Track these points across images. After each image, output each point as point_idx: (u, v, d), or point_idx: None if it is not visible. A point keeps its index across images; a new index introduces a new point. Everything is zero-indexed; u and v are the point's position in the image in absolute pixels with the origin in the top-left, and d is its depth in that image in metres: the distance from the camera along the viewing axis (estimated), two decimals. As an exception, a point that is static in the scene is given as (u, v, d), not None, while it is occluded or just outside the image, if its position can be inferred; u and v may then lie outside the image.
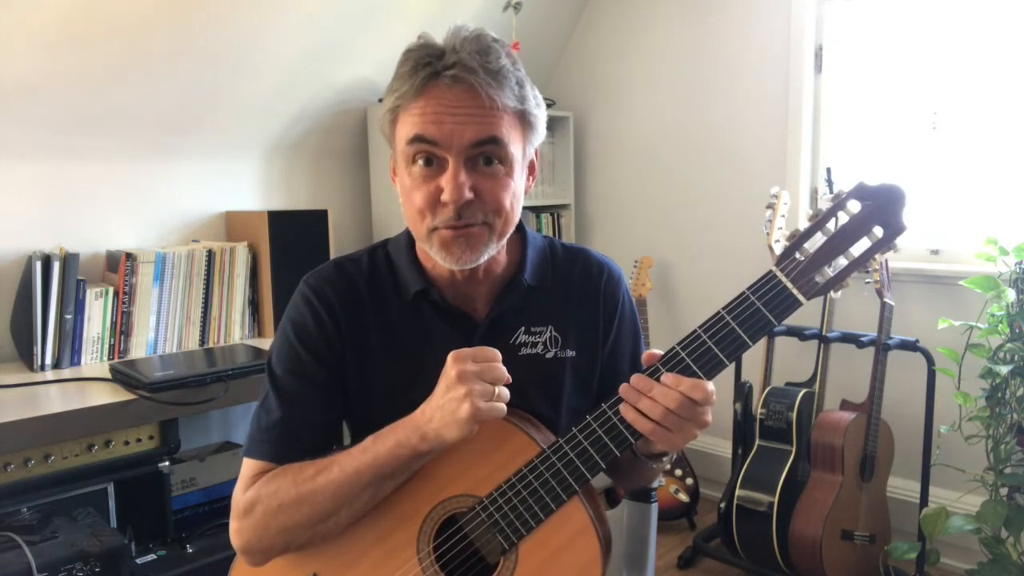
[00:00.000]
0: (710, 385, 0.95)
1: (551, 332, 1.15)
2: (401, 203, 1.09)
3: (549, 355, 1.15)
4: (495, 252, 1.08)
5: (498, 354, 0.99)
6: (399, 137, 1.05)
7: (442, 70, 1.00)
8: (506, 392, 0.97)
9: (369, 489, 1.01)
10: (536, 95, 1.07)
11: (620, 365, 1.21)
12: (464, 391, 0.94)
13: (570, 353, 1.16)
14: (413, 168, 1.03)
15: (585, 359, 1.17)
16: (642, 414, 0.96)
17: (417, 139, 1.01)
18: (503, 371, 0.97)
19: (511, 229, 1.09)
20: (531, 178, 1.13)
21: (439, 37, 1.04)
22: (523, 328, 1.14)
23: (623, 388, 0.98)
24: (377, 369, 1.12)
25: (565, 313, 1.17)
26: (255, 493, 1.04)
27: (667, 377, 0.96)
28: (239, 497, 1.06)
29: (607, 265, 1.23)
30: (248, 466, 1.09)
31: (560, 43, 3.51)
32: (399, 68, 1.04)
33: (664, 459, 1.09)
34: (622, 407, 0.98)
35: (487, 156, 1.02)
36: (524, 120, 1.05)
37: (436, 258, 1.07)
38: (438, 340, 1.11)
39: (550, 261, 1.19)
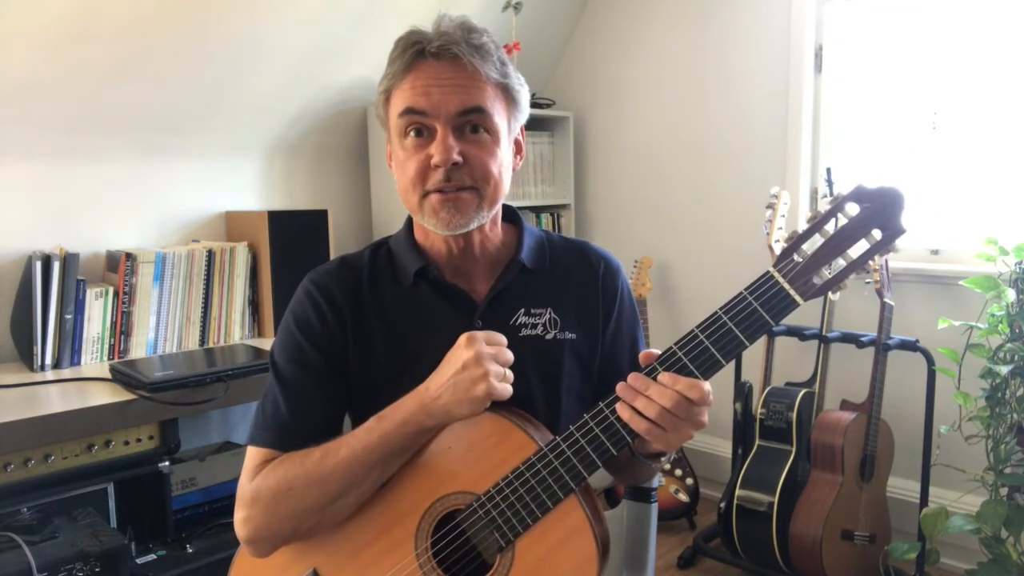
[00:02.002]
0: (706, 385, 0.96)
1: (550, 314, 1.17)
2: (396, 180, 1.13)
3: (549, 336, 1.17)
4: (486, 220, 1.12)
5: (504, 339, 1.03)
6: (391, 115, 1.10)
7: (426, 51, 1.06)
8: (511, 374, 1.02)
9: (378, 468, 1.03)
10: (519, 77, 1.13)
11: (619, 356, 1.22)
12: (481, 372, 0.98)
13: (570, 335, 1.18)
14: (405, 141, 1.09)
15: (585, 343, 1.19)
16: (638, 413, 0.96)
17: (407, 111, 1.07)
18: (511, 354, 1.03)
19: (500, 198, 1.13)
20: (518, 157, 1.18)
21: (442, 22, 1.10)
22: (523, 309, 1.17)
23: (620, 387, 0.98)
24: (380, 355, 1.14)
25: (564, 297, 1.19)
26: (262, 480, 1.06)
27: (664, 376, 0.96)
28: (245, 486, 1.07)
29: (605, 256, 1.25)
30: (252, 455, 1.10)
31: (560, 43, 3.51)
32: (390, 56, 1.10)
33: (662, 459, 1.10)
34: (618, 406, 0.98)
35: (473, 124, 1.07)
36: (507, 94, 1.11)
37: (428, 225, 1.11)
38: (439, 321, 1.14)
39: (547, 248, 1.22)
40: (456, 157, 1.05)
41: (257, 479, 1.06)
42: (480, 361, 0.99)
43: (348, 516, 1.06)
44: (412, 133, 1.07)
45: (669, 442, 0.98)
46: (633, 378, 0.98)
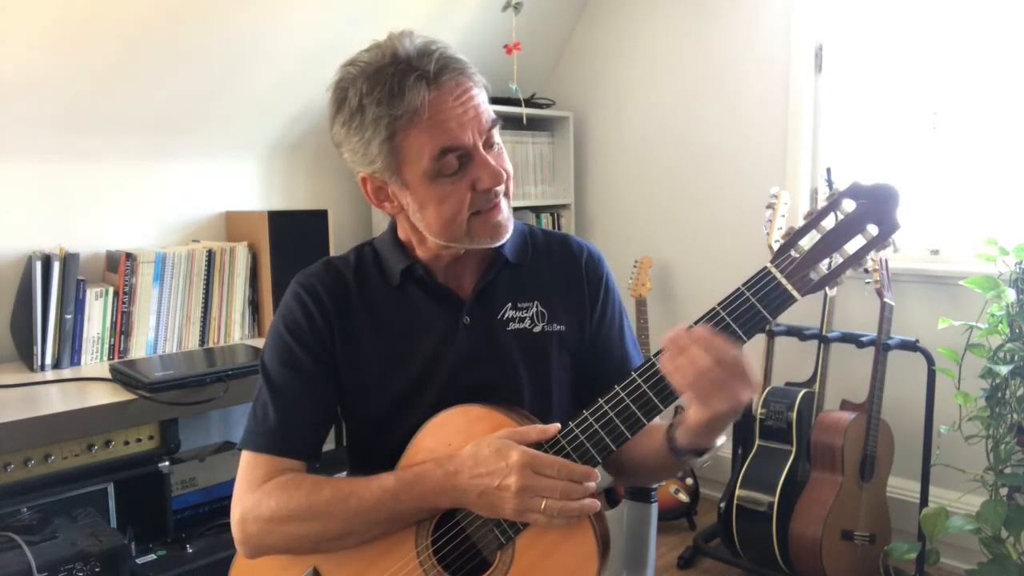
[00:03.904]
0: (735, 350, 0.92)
1: (537, 307, 1.18)
2: (419, 218, 1.09)
3: (536, 329, 1.17)
4: None
5: (567, 470, 0.97)
6: (412, 157, 1.03)
7: (436, 75, 1.01)
8: (568, 506, 0.97)
9: (382, 526, 1.04)
10: None
11: (611, 343, 1.22)
12: (515, 503, 0.96)
13: (557, 327, 1.18)
14: (441, 179, 1.04)
15: (573, 334, 1.19)
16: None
17: (447, 150, 1.02)
18: (573, 489, 0.97)
19: None
20: None
21: (406, 44, 1.04)
22: (509, 304, 1.17)
23: (667, 339, 0.94)
24: (369, 354, 1.14)
25: (550, 289, 1.19)
26: (265, 497, 1.05)
27: (700, 330, 0.93)
28: (246, 494, 1.07)
29: (587, 247, 1.26)
30: (247, 459, 1.11)
31: (560, 43, 3.51)
32: (364, 97, 1.02)
33: (703, 457, 1.05)
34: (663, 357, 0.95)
35: (492, 135, 1.06)
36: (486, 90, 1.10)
37: (477, 245, 1.09)
38: (427, 318, 1.14)
39: (529, 241, 1.23)
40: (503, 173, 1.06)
41: (260, 494, 1.06)
42: (521, 494, 0.96)
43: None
44: (450, 170, 1.03)
45: (711, 406, 0.93)
46: (680, 331, 0.94)
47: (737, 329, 0.95)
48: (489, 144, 1.06)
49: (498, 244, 1.11)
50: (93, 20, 2.10)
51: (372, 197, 1.12)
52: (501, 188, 1.07)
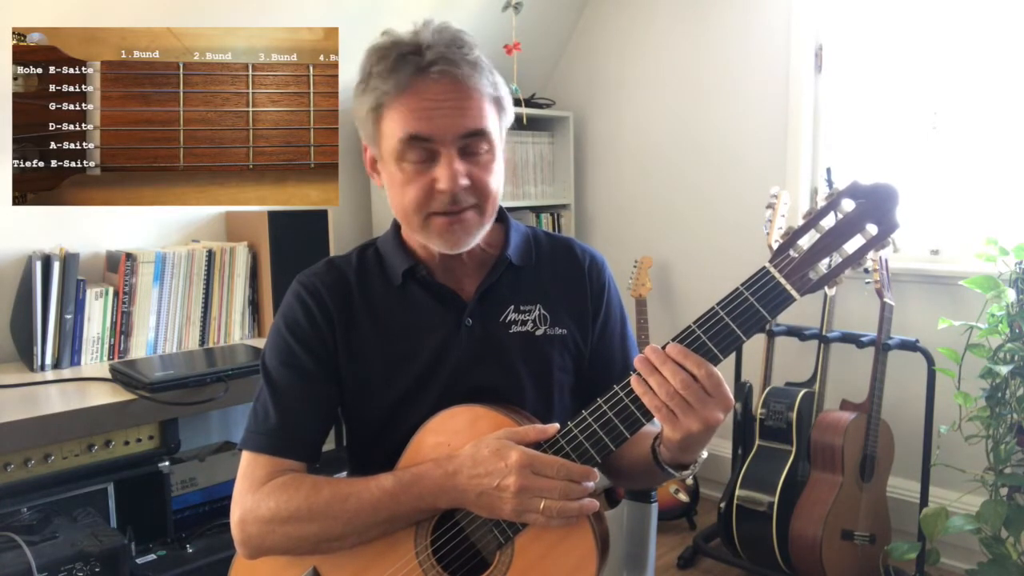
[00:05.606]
0: (713, 367, 0.94)
1: (540, 311, 1.18)
2: (389, 196, 1.12)
3: (539, 332, 1.17)
4: (485, 232, 1.12)
5: (565, 470, 0.97)
6: (386, 134, 1.07)
7: (427, 66, 1.03)
8: (567, 506, 0.97)
9: (382, 527, 1.04)
10: (502, 80, 1.12)
11: (611, 350, 1.22)
12: (514, 504, 0.97)
13: (560, 331, 1.18)
14: (405, 164, 1.06)
15: (576, 338, 1.19)
16: (651, 389, 0.95)
17: (412, 138, 1.04)
18: (570, 489, 0.97)
19: (496, 209, 1.13)
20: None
21: (426, 30, 1.07)
22: (512, 306, 1.17)
23: (638, 359, 0.96)
24: (370, 355, 1.14)
25: (552, 293, 1.19)
26: (265, 497, 1.05)
27: (672, 348, 0.95)
28: (245, 496, 1.07)
29: (591, 252, 1.26)
30: (248, 459, 1.11)
31: (560, 43, 3.51)
32: (373, 66, 1.06)
33: (683, 471, 1.07)
34: (632, 379, 0.97)
35: (474, 144, 1.06)
36: (499, 105, 1.10)
37: (432, 245, 1.11)
38: (428, 319, 1.14)
39: (533, 245, 1.23)
40: (464, 182, 1.04)
41: (260, 495, 1.06)
42: (520, 495, 0.96)
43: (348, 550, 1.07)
44: (414, 157, 1.05)
45: (681, 427, 0.94)
46: (651, 350, 0.96)
47: (736, 328, 0.95)
48: (469, 152, 1.06)
49: (450, 252, 1.10)
50: (94, 19, 2.10)
51: (368, 165, 1.15)
52: (468, 199, 1.06)
